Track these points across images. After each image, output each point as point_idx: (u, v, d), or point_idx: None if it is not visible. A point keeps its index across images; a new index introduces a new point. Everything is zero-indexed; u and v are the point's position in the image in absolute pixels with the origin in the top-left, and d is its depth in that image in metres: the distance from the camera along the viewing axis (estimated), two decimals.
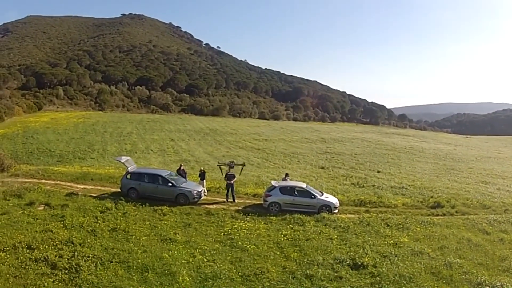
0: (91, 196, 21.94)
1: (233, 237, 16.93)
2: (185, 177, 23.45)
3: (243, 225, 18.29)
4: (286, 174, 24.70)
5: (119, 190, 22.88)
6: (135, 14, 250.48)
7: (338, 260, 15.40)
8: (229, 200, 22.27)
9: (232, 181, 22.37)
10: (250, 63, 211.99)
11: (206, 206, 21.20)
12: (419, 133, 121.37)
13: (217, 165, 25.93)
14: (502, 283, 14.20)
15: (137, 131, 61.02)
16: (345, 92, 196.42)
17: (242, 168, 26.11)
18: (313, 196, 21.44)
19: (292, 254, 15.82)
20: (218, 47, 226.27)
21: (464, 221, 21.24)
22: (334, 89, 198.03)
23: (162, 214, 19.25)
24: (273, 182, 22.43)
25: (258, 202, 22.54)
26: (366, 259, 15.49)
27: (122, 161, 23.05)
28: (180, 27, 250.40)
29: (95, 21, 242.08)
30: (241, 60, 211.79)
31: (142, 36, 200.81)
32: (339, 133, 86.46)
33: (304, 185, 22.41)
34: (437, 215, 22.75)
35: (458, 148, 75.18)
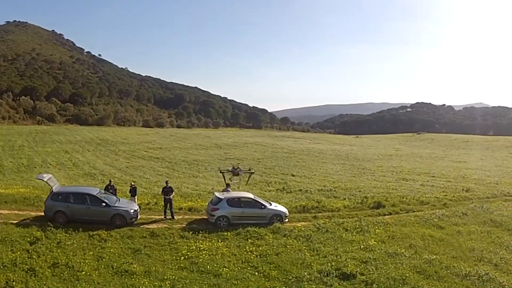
0: (12, 223, 19.74)
1: (196, 261, 16.30)
2: (115, 194, 22.37)
3: (201, 246, 17.76)
4: (228, 185, 24.65)
5: (41, 213, 21.11)
6: (19, 22, 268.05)
7: (325, 273, 15.80)
8: (167, 217, 21.68)
9: (170, 196, 21.83)
10: (131, 70, 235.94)
11: (146, 226, 20.30)
12: (310, 135, 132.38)
13: (220, 172, 25.83)
14: (486, 271, 16.31)
15: (29, 144, 64.28)
16: (226, 98, 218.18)
17: (249, 176, 25.66)
18: (262, 207, 21.74)
19: (272, 273, 15.76)
20: (99, 55, 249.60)
21: (415, 219, 23.64)
22: (215, 95, 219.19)
23: (101, 240, 17.95)
24: (217, 194, 22.22)
25: (199, 217, 22.31)
26: (351, 268, 16.22)
27: (45, 179, 20.99)
28: (62, 35, 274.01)
29: None
30: (122, 68, 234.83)
31: (26, 44, 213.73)
32: (229, 138, 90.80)
33: (251, 195, 22.69)
34: (384, 214, 24.96)
35: (355, 148, 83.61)
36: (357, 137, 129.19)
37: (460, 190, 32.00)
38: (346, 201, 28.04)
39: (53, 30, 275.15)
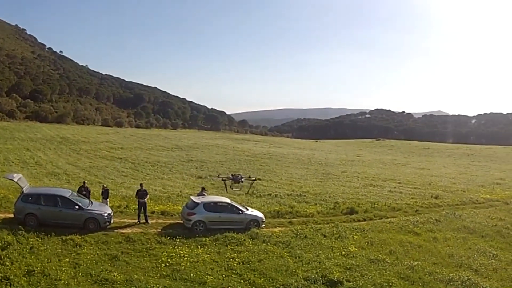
0: None
1: (178, 269, 15.96)
2: (88, 197, 21.63)
3: (180, 252, 17.44)
4: (203, 188, 24.44)
5: (9, 215, 20.24)
6: None
7: (311, 280, 15.95)
8: (141, 221, 21.21)
9: (145, 199, 21.38)
10: (91, 68, 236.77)
11: (120, 231, 19.73)
12: (269, 139, 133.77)
13: (222, 180, 26.12)
14: (468, 277, 17.01)
15: None
16: (185, 99, 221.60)
17: (251, 184, 25.70)
18: (240, 212, 21.65)
19: (257, 281, 15.69)
20: (60, 51, 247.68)
21: (390, 225, 24.25)
22: (174, 96, 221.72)
23: (76, 246, 17.28)
24: (194, 198, 21.90)
25: (173, 221, 21.94)
26: (336, 275, 16.44)
27: (15, 179, 19.86)
28: (25, 30, 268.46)
29: None
30: (82, 65, 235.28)
31: None
32: (190, 140, 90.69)
33: (228, 200, 22.60)
34: (358, 220, 25.40)
35: (316, 152, 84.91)
36: (316, 141, 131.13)
37: (429, 197, 32.99)
38: (319, 207, 28.29)
39: (16, 25, 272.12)
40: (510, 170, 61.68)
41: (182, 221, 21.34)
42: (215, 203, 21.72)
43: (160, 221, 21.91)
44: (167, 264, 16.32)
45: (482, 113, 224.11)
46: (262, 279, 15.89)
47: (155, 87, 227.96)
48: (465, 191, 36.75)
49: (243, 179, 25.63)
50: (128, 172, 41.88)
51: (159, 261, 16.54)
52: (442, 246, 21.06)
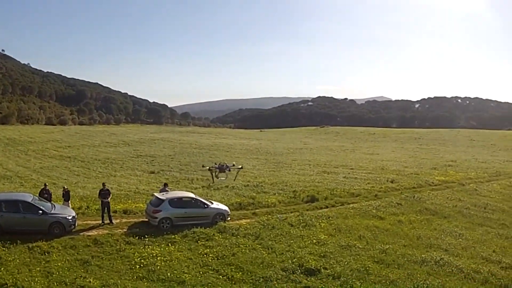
0: None
1: (153, 269, 15.44)
2: (50, 200, 20.59)
3: (152, 252, 16.90)
4: (165, 184, 24.01)
5: None
6: None
7: (289, 271, 15.96)
8: (105, 221, 20.41)
9: (108, 199, 20.65)
10: (33, 66, 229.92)
11: (86, 233, 18.86)
12: (214, 130, 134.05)
13: (208, 169, 27.28)
14: (440, 256, 17.70)
15: None
16: (126, 93, 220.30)
17: (238, 172, 26.74)
18: (205, 206, 21.37)
19: (236, 275, 15.49)
20: (2, 50, 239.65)
21: (354, 211, 24.79)
22: (116, 91, 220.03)
23: (44, 253, 16.33)
24: (157, 195, 21.42)
25: (137, 220, 21.36)
26: (313, 263, 16.57)
27: None
28: None
29: None
30: (24, 64, 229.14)
31: None
32: (134, 134, 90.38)
33: (192, 195, 22.33)
34: (321, 208, 25.74)
35: (263, 142, 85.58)
36: (261, 131, 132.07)
37: (385, 181, 33.94)
38: (278, 196, 28.36)
39: None
40: (460, 152, 65.23)
41: (147, 219, 20.75)
42: (180, 198, 21.33)
43: (124, 220, 21.24)
44: (141, 265, 15.77)
45: (426, 97, 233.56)
46: (240, 273, 15.70)
47: (97, 83, 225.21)
48: (418, 174, 38.17)
49: (229, 168, 25.43)
50: (80, 171, 41.48)
51: (132, 262, 15.96)
52: (408, 229, 21.77)
